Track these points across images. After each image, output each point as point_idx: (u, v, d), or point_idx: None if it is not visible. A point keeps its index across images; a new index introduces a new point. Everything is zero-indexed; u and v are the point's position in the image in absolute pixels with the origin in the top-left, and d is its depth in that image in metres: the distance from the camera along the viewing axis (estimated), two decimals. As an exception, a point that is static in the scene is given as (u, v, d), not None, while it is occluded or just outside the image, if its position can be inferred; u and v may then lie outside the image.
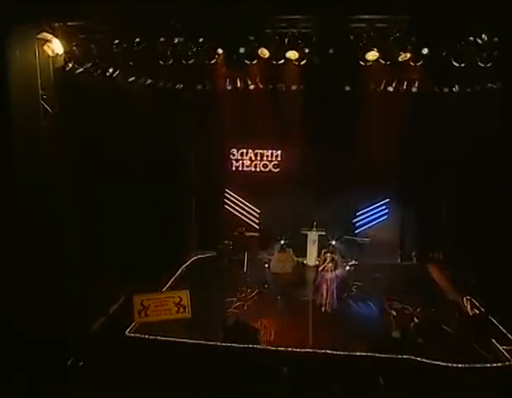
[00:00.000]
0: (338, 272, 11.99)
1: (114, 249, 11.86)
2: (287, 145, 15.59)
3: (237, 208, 16.06)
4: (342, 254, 14.18)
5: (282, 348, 9.92)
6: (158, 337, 10.52)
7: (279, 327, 11.11)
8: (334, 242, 14.16)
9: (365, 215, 15.39)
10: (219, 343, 10.15)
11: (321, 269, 12.03)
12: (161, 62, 9.96)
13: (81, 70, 9.76)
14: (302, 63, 10.18)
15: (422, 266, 14.89)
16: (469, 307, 11.64)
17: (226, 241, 15.23)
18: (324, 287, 11.79)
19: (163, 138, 13.95)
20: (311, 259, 14.94)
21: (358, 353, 9.56)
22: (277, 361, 9.61)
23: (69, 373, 9.43)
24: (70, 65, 9.51)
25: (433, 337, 9.94)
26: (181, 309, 11.45)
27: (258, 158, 15.95)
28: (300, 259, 15.21)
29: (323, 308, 11.81)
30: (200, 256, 15.75)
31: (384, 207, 15.33)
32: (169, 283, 13.57)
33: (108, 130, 11.38)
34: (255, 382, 8.81)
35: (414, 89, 13.19)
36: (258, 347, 10.02)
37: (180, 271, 14.53)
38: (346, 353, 9.60)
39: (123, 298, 12.29)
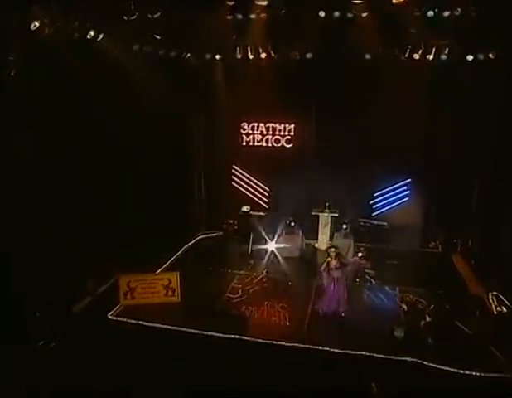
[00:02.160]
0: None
1: (116, 226, 11.38)
2: (301, 119, 14.46)
3: (245, 186, 15.01)
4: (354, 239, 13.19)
5: (269, 341, 8.95)
6: (140, 322, 9.81)
7: (272, 318, 10.04)
8: (345, 225, 13.03)
9: (384, 197, 14.02)
10: (203, 332, 9.31)
11: (322, 268, 10.09)
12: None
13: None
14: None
15: (445, 255, 13.43)
16: (494, 304, 10.17)
17: (231, 221, 14.23)
18: (331, 290, 9.93)
19: (169, 111, 13.03)
20: (323, 242, 13.75)
21: (350, 352, 8.43)
22: (263, 355, 8.73)
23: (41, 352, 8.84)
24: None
25: (446, 337, 8.66)
26: (170, 292, 10.81)
27: (270, 133, 14.84)
28: (311, 242, 14.03)
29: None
30: (205, 236, 14.87)
31: (405, 188, 13.87)
32: (166, 263, 12.72)
33: (110, 102, 10.68)
34: (237, 375, 7.99)
35: (444, 57, 11.73)
36: (243, 337, 9.06)
37: (181, 251, 13.65)
38: (337, 351, 8.52)
39: (116, 278, 11.45)
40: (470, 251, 13.11)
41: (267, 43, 12.90)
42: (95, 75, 10.10)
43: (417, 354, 8.37)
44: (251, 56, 13.17)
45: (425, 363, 8.18)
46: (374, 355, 8.43)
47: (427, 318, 8.91)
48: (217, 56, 13.83)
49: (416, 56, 12.04)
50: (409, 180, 13.80)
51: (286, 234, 13.47)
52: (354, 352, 8.54)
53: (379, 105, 13.01)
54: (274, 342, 8.98)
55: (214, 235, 14.76)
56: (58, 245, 9.92)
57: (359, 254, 11.95)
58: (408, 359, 8.28)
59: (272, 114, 14.49)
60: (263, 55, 13.17)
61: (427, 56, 11.80)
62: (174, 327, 9.53)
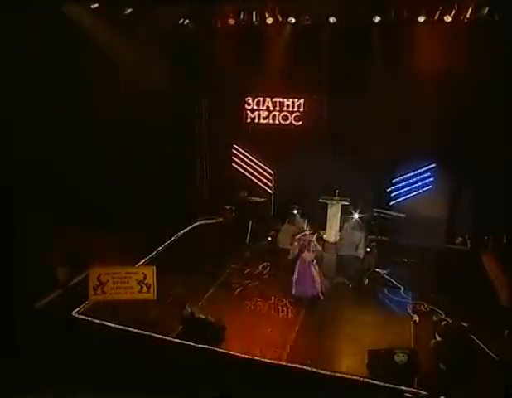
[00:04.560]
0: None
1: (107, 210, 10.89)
2: (312, 93, 12.74)
3: (247, 168, 13.44)
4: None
5: (241, 355, 7.55)
6: (105, 323, 8.56)
7: (253, 327, 8.53)
8: (356, 215, 11.36)
9: (403, 184, 12.14)
10: (171, 338, 8.07)
11: (297, 236, 9.66)
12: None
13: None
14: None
15: (473, 253, 11.45)
16: (529, 319, 8.32)
17: (228, 207, 12.73)
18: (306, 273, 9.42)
19: (167, 88, 11.96)
20: (331, 233, 12.10)
21: (337, 374, 6.88)
22: (235, 370, 7.37)
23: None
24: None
25: (462, 363, 6.92)
26: (145, 288, 9.59)
27: (277, 108, 13.17)
28: (319, 233, 12.35)
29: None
30: (203, 222, 13.42)
31: (427, 174, 11.95)
32: (153, 252, 11.38)
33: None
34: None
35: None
36: (211, 348, 7.67)
37: (172, 239, 12.26)
38: (323, 372, 7.01)
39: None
40: (505, 250, 11.10)
41: (273, 5, 11.49)
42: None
43: (422, 385, 6.75)
44: (256, 22, 11.86)
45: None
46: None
47: (437, 337, 7.12)
48: (218, 23, 12.30)
49: (447, 18, 10.34)
50: (433, 165, 11.84)
51: (289, 223, 11.91)
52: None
53: (400, 79, 11.34)
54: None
55: (212, 221, 13.27)
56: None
57: (368, 250, 10.41)
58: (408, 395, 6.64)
59: (280, 87, 12.84)
60: (270, 21, 11.87)
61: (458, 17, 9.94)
62: (140, 331, 8.24)
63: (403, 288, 9.85)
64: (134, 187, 11.83)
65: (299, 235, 9.64)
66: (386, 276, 10.40)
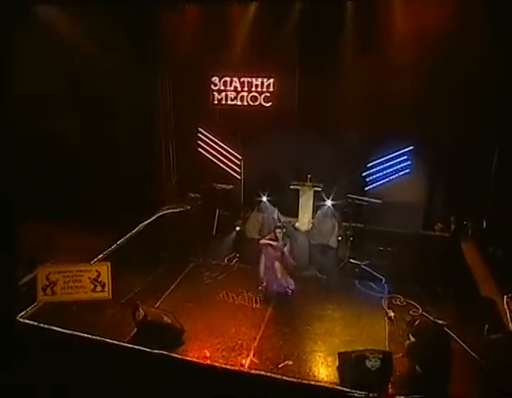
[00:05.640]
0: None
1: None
2: (283, 72, 11.79)
3: (213, 153, 12.61)
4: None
5: (199, 361, 6.91)
6: (54, 328, 7.74)
7: (216, 328, 7.83)
8: (329, 202, 10.69)
9: (379, 168, 11.42)
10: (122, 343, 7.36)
11: (264, 241, 8.92)
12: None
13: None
14: None
15: (453, 240, 10.83)
16: (510, 312, 7.72)
17: (193, 195, 11.92)
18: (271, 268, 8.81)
19: (126, 68, 11.01)
20: (303, 221, 11.39)
21: (304, 381, 6.25)
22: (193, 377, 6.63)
23: None
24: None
25: (439, 365, 6.32)
26: (99, 287, 8.75)
27: (246, 89, 12.26)
28: (291, 221, 11.66)
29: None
30: (169, 211, 12.59)
31: (405, 158, 11.26)
32: (113, 246, 10.53)
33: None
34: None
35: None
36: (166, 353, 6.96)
37: (135, 230, 11.43)
38: (289, 379, 6.37)
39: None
40: (485, 236, 10.53)
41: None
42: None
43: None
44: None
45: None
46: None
47: (411, 338, 6.49)
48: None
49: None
50: (411, 147, 11.16)
51: (258, 211, 11.18)
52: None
53: (375, 56, 10.50)
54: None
55: (178, 210, 12.45)
56: None
57: (339, 238, 9.78)
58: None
59: (249, 66, 11.93)
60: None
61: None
62: (91, 337, 7.47)
63: (383, 280, 9.27)
64: (96, 176, 11.15)
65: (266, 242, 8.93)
66: (364, 267, 9.83)
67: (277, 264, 8.80)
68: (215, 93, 12.42)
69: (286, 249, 8.82)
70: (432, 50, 10.06)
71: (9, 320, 7.81)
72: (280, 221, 10.27)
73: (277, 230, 8.82)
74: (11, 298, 7.77)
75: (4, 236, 7.54)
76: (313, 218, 11.32)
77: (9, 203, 7.81)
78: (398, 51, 10.26)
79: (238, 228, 11.01)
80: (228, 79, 12.31)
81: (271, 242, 8.78)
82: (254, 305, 8.54)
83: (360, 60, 10.68)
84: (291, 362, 6.89)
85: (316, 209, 11.24)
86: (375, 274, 9.57)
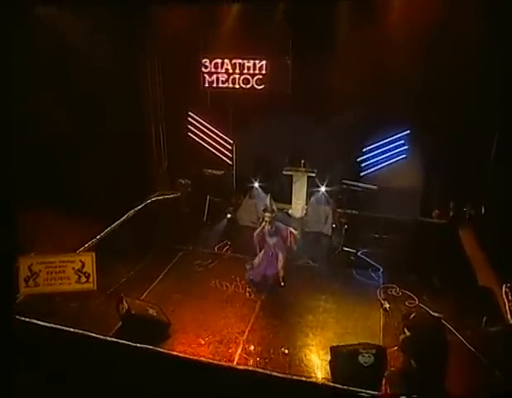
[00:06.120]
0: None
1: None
2: (276, 53, 11.36)
3: (205, 137, 12.22)
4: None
5: (186, 356, 6.61)
6: (35, 321, 7.43)
7: (205, 321, 7.53)
8: (323, 188, 10.36)
9: (375, 153, 11.06)
10: (105, 337, 7.05)
11: (256, 233, 8.52)
12: None
13: None
14: None
15: (451, 227, 10.53)
16: (510, 302, 7.43)
17: (183, 181, 11.54)
18: (267, 257, 8.47)
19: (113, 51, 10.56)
20: (297, 208, 11.06)
21: (294, 377, 5.96)
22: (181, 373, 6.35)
23: None
24: None
25: (435, 360, 6.03)
26: (83, 278, 8.38)
27: (238, 71, 11.82)
28: (284, 208, 11.32)
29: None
30: (159, 197, 12.26)
31: (402, 142, 10.89)
32: (99, 235, 10.21)
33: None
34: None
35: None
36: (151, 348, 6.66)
37: (124, 218, 11.09)
38: (280, 375, 6.08)
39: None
40: (484, 223, 10.20)
41: None
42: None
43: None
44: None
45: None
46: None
47: (406, 332, 6.19)
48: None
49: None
50: (408, 131, 10.78)
51: (250, 197, 10.85)
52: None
53: (371, 37, 9.99)
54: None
55: (168, 196, 12.10)
56: None
57: (333, 225, 9.51)
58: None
59: (240, 47, 11.50)
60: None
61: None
62: (74, 330, 7.17)
63: (379, 269, 8.97)
64: (84, 163, 10.73)
65: (257, 231, 8.55)
66: (359, 255, 9.53)
67: (274, 251, 8.45)
68: (206, 75, 11.99)
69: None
70: (430, 31, 9.65)
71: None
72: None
73: (266, 214, 8.38)
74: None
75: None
76: (307, 205, 11.00)
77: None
78: (396, 32, 9.84)
79: (229, 215, 10.68)
80: (219, 61, 11.87)
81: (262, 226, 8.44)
82: (244, 296, 8.24)
83: (356, 42, 10.25)
84: (287, 351, 6.59)
85: (309, 195, 10.91)
86: (371, 262, 9.30)
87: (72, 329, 7.19)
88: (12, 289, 7.32)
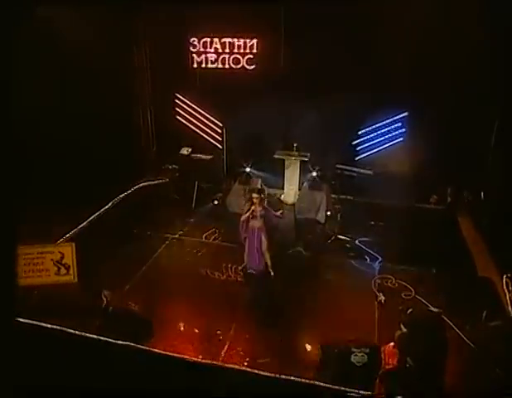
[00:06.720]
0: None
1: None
2: (267, 31, 10.86)
3: (194, 120, 11.73)
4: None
5: (169, 354, 6.20)
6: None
7: (190, 316, 7.15)
8: (317, 173, 9.93)
9: (371, 136, 10.62)
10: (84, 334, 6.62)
11: (243, 217, 7.93)
12: None
13: None
14: None
15: (449, 213, 10.16)
16: (510, 293, 7.07)
17: (170, 166, 11.08)
18: (254, 243, 7.93)
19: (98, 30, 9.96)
20: (290, 194, 10.63)
21: (283, 376, 5.58)
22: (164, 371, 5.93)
23: None
24: None
25: (433, 357, 5.66)
26: (63, 270, 8.12)
27: (227, 50, 11.35)
28: (276, 193, 10.89)
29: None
30: (146, 183, 11.78)
31: (399, 125, 10.44)
32: (84, 222, 9.75)
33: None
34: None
35: None
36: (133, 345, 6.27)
37: (109, 205, 10.63)
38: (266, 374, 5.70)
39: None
40: (483, 209, 9.81)
41: None
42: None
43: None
44: None
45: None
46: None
47: (403, 329, 5.81)
48: None
49: None
50: (405, 114, 10.31)
51: (240, 183, 10.41)
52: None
53: (367, 14, 9.53)
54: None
55: (156, 182, 11.62)
56: None
57: (328, 212, 9.10)
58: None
59: (230, 25, 10.99)
60: None
61: None
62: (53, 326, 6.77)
63: (375, 258, 8.58)
64: (70, 149, 10.17)
65: (246, 215, 7.93)
66: (354, 243, 9.14)
67: (261, 237, 7.96)
68: (194, 55, 11.55)
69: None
70: (428, 10, 9.15)
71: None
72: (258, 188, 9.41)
73: (254, 195, 7.86)
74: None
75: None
76: (300, 190, 10.57)
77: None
78: (393, 9, 9.36)
79: (215, 202, 10.24)
80: (208, 39, 11.42)
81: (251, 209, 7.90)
82: (232, 288, 7.84)
83: (353, 16, 9.74)
84: (268, 360, 6.17)
85: (302, 181, 10.47)
86: (367, 250, 8.91)
87: (48, 325, 6.82)
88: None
